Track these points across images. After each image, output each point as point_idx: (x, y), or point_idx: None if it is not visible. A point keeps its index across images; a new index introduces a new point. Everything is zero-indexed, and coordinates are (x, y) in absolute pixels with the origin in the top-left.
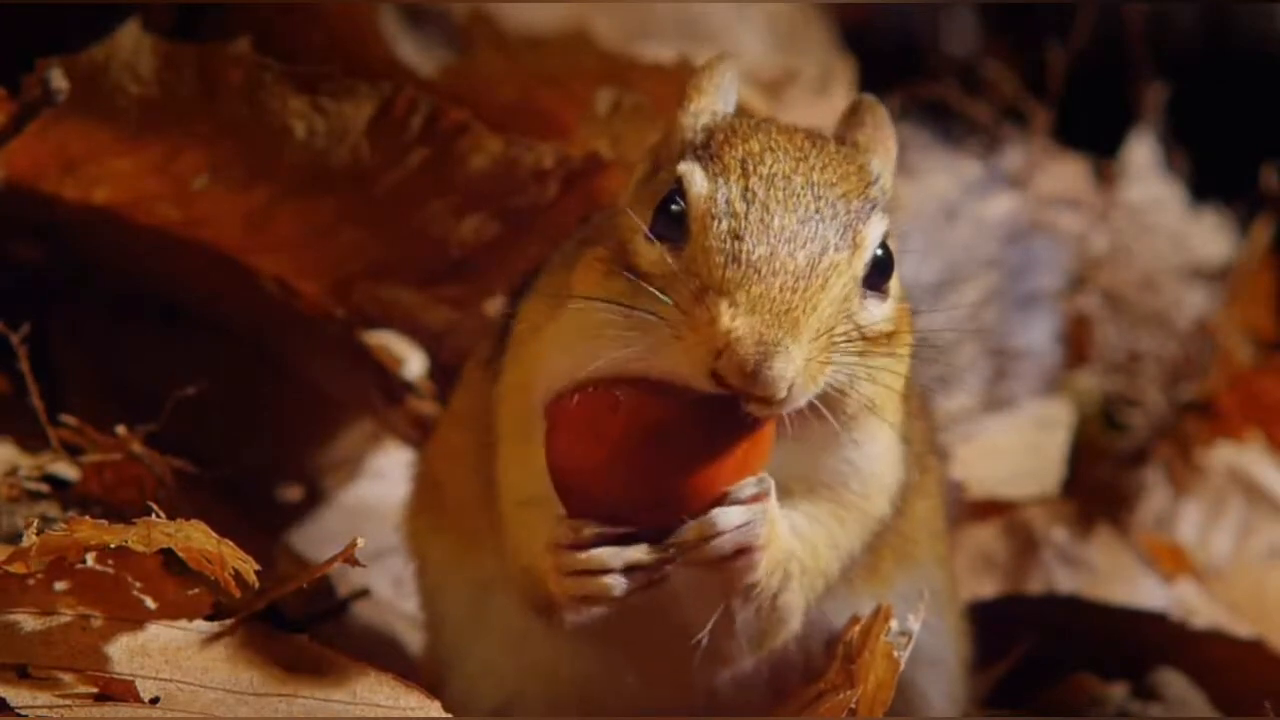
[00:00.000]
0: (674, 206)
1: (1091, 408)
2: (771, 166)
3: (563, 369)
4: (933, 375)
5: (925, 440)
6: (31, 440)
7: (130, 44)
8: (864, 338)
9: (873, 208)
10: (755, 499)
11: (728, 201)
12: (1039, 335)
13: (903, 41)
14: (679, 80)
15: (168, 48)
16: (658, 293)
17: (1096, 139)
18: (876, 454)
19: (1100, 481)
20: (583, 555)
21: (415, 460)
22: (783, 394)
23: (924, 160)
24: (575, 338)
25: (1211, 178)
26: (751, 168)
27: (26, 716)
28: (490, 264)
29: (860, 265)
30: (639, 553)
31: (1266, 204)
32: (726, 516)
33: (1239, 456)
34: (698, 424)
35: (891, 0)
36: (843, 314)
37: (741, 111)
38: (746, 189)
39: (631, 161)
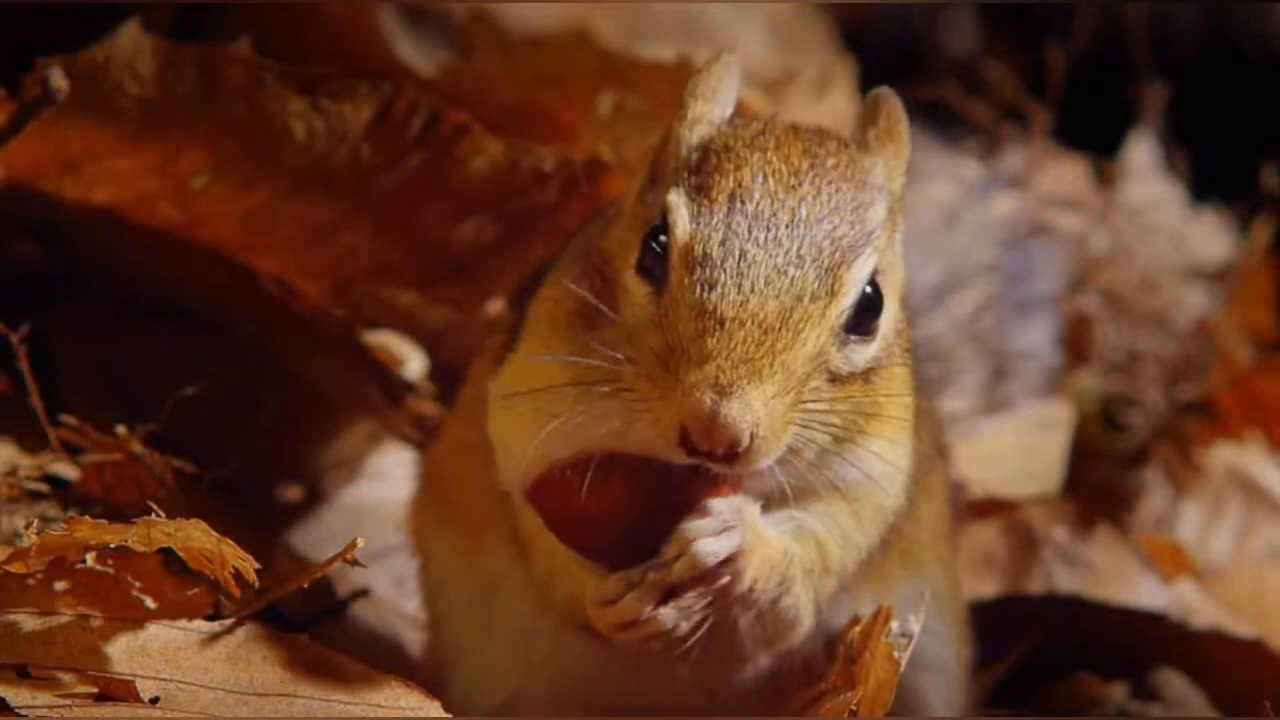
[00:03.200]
0: (660, 240)
1: (1091, 408)
2: (759, 202)
3: (540, 453)
4: (934, 377)
5: (929, 442)
6: (31, 440)
7: (130, 44)
8: (844, 382)
9: (864, 241)
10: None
11: (705, 250)
12: (1039, 336)
13: (903, 41)
14: (679, 80)
15: (168, 48)
16: (624, 362)
17: (1096, 139)
18: (882, 461)
19: (1100, 481)
20: (624, 607)
21: (420, 458)
22: (744, 440)
23: (924, 161)
24: (545, 420)
25: (1211, 178)
26: (738, 204)
27: (26, 716)
28: (490, 266)
29: (838, 313)
30: (634, 599)
31: (1266, 204)
32: (695, 528)
33: (1239, 456)
34: (676, 482)
35: (891, 0)
36: (816, 366)
37: (741, 114)
38: (729, 230)
39: (633, 164)
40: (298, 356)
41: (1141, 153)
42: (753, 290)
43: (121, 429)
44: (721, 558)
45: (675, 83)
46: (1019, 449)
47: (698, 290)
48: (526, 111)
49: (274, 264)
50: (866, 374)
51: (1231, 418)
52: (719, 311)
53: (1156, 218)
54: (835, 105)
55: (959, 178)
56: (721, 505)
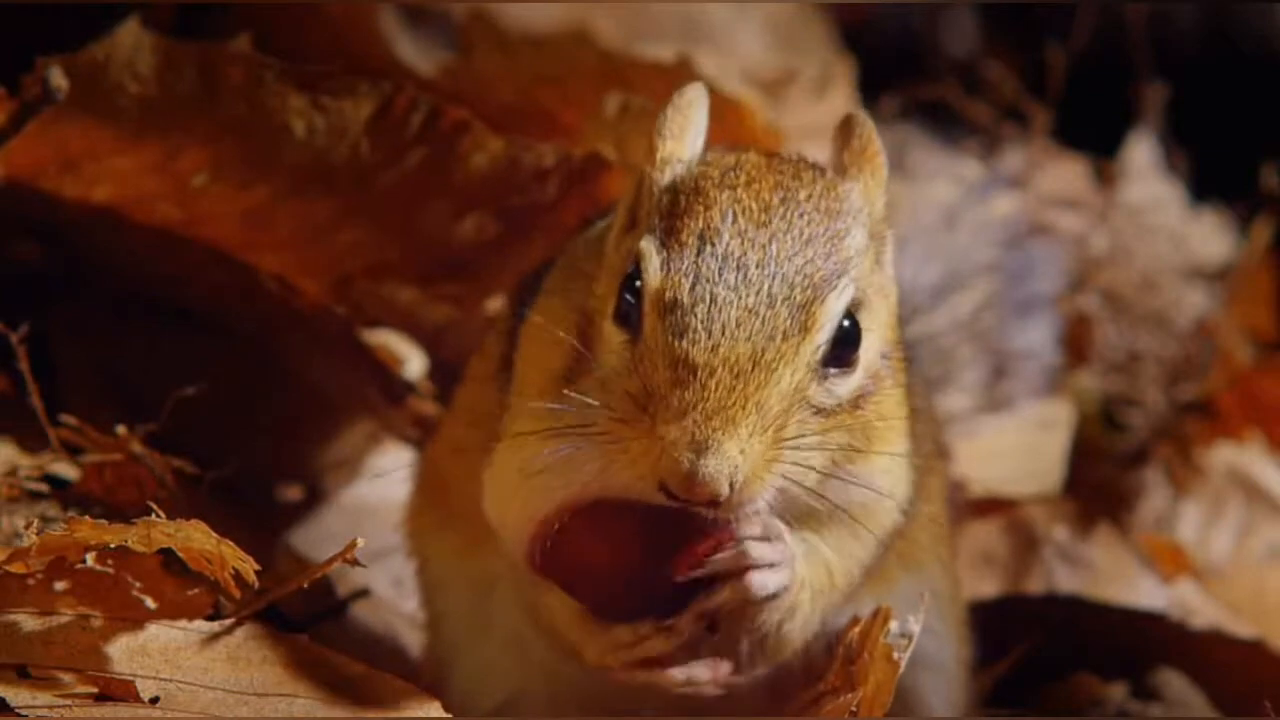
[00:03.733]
0: (635, 286)
1: (1091, 408)
2: (728, 243)
3: (528, 513)
4: (934, 376)
5: (929, 441)
6: (31, 440)
7: (130, 43)
8: (831, 414)
9: (839, 273)
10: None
11: (675, 297)
12: (1039, 336)
13: (903, 41)
14: (679, 80)
15: (168, 46)
16: (599, 408)
17: (1096, 139)
18: (879, 485)
19: (1100, 481)
20: (639, 650)
21: (418, 458)
22: (724, 492)
23: (924, 161)
24: (527, 477)
25: (1211, 178)
26: (708, 246)
27: (26, 716)
28: (490, 263)
29: (812, 349)
30: (684, 624)
31: (1266, 204)
32: (753, 558)
33: (1239, 456)
34: (671, 514)
35: (891, 0)
36: (796, 402)
37: (711, 150)
38: (698, 275)
39: (634, 164)
40: (298, 356)
41: (1141, 153)
42: (724, 334)
43: (121, 429)
44: (771, 592)
45: (675, 83)
46: (1019, 448)
47: (669, 337)
48: (526, 111)
49: (274, 262)
50: (856, 401)
51: (1231, 418)
52: (690, 359)
53: (1156, 218)
54: (835, 105)
55: (959, 178)
56: (766, 548)
